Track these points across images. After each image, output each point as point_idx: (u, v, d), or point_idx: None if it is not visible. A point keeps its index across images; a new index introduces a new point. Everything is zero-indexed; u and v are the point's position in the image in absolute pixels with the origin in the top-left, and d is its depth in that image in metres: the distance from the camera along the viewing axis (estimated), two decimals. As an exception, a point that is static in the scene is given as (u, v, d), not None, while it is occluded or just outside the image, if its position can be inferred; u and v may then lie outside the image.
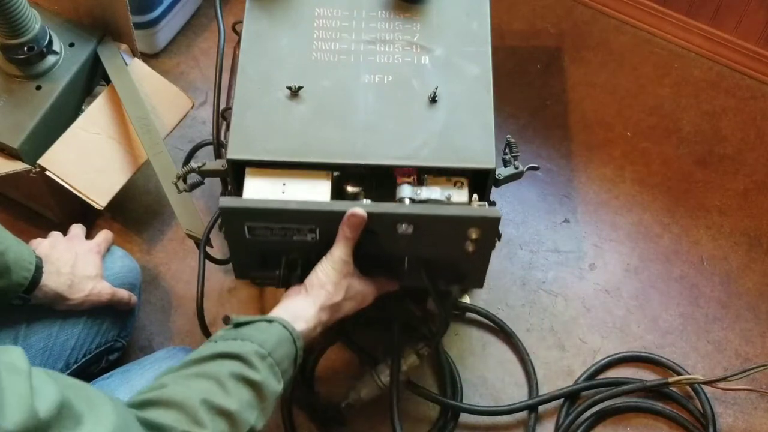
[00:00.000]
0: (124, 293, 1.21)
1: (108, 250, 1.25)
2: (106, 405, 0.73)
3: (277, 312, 0.98)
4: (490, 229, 1.01)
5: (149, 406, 0.82)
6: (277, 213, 1.00)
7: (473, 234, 1.00)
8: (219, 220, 1.20)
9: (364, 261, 1.05)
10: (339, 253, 1.00)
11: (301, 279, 1.05)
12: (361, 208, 0.98)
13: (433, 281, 1.09)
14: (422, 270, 1.08)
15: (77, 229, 1.25)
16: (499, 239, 1.07)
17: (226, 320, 0.94)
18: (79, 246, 1.20)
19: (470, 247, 1.02)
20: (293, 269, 1.08)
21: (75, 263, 1.15)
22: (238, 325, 0.92)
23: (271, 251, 1.07)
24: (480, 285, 1.08)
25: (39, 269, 1.08)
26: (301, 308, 0.99)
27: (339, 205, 1.00)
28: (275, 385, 0.90)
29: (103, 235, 1.26)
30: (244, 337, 0.90)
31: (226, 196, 1.18)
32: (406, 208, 1.00)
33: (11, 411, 0.63)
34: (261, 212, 1.00)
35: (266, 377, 0.88)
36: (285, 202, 1.00)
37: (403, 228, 1.00)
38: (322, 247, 1.03)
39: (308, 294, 1.00)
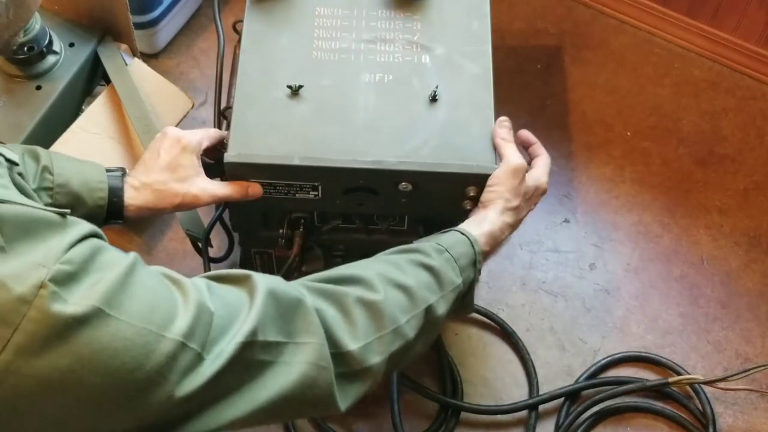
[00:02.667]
0: (229, 190, 1.03)
1: (212, 146, 1.06)
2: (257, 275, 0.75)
3: (459, 225, 0.98)
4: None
5: (324, 280, 0.82)
6: (281, 168, 1.02)
7: (471, 192, 1.03)
8: (222, 210, 1.21)
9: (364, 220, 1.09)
10: (513, 161, 1.01)
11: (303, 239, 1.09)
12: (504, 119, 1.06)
13: None
14: (421, 229, 1.12)
15: (170, 129, 1.05)
16: None
17: None
18: (167, 146, 1.02)
19: (468, 206, 1.05)
20: (296, 228, 1.10)
21: (166, 168, 1.00)
22: None
23: (273, 209, 1.10)
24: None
25: (116, 191, 0.97)
26: (482, 215, 0.99)
27: (342, 162, 1.02)
28: (453, 277, 0.90)
29: (203, 132, 1.06)
30: (421, 241, 0.93)
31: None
32: (406, 165, 1.02)
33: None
34: (265, 167, 1.02)
35: (443, 265, 0.89)
36: (289, 158, 1.02)
37: (403, 186, 1.03)
38: (325, 205, 1.07)
39: (486, 206, 1.00)
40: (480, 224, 0.98)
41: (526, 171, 1.03)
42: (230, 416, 0.69)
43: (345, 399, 0.78)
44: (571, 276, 1.46)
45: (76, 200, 0.96)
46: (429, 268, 0.88)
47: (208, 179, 1.03)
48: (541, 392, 1.33)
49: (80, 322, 0.59)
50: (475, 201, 1.04)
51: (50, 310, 0.58)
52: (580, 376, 1.35)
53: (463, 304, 0.94)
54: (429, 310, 0.86)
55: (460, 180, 1.04)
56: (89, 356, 0.60)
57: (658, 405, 1.32)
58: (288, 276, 1.17)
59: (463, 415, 1.32)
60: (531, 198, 1.03)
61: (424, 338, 0.87)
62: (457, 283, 0.90)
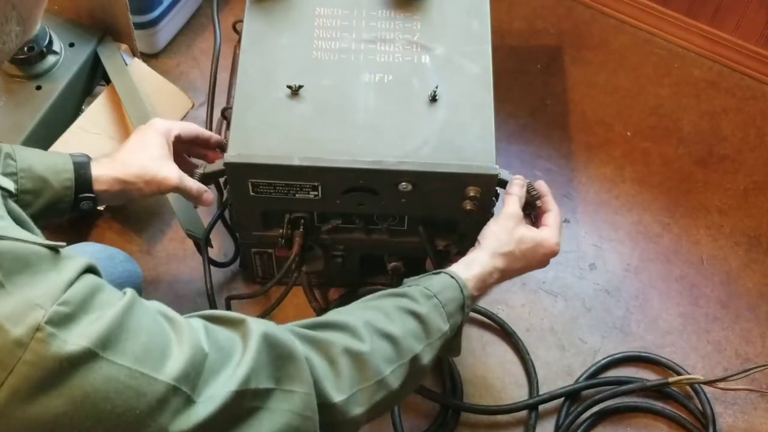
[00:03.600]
0: (192, 183, 1.07)
1: (186, 139, 1.09)
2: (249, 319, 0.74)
3: (448, 268, 0.98)
4: (487, 187, 1.04)
5: (311, 327, 0.82)
6: (281, 169, 1.02)
7: (471, 192, 1.04)
8: (222, 210, 1.22)
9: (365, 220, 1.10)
10: (508, 210, 1.01)
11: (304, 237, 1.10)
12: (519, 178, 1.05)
13: (431, 240, 1.12)
14: (421, 229, 1.12)
15: (155, 118, 1.10)
16: (496, 199, 1.09)
17: None
18: (142, 130, 1.06)
19: (468, 206, 1.05)
20: (296, 228, 1.10)
21: (132, 146, 1.04)
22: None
23: (274, 209, 1.11)
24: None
25: (83, 165, 0.99)
26: (473, 256, 0.98)
27: (342, 162, 1.02)
28: (441, 323, 0.89)
29: (180, 122, 1.10)
30: (410, 285, 0.92)
31: (224, 194, 1.19)
32: (406, 165, 1.02)
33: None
34: (265, 168, 1.02)
35: (430, 312, 0.88)
36: (289, 158, 1.01)
37: (403, 186, 1.03)
38: (324, 204, 1.07)
39: (481, 245, 1.00)
40: (469, 267, 0.96)
41: (522, 219, 1.03)
42: None
43: None
44: (571, 276, 1.46)
45: (42, 182, 0.97)
46: (416, 316, 0.87)
47: (177, 168, 1.04)
48: (541, 392, 1.33)
49: (73, 364, 0.58)
50: (475, 201, 1.04)
51: (45, 354, 0.57)
52: (580, 376, 1.35)
53: (450, 347, 0.94)
54: (414, 360, 0.86)
55: (460, 180, 1.04)
56: (82, 399, 0.59)
57: (658, 405, 1.32)
58: (288, 276, 1.18)
59: (463, 415, 1.32)
60: (534, 254, 1.02)
61: (408, 386, 0.86)
62: (444, 330, 0.89)
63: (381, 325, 0.84)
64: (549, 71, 1.69)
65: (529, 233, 1.01)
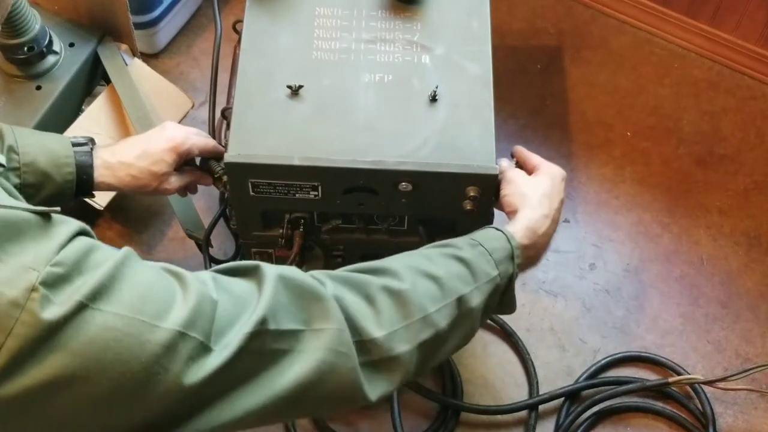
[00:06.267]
0: (186, 178, 1.11)
1: (198, 153, 1.10)
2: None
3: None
4: (487, 187, 1.03)
5: (347, 270, 0.81)
6: (281, 169, 1.02)
7: (471, 192, 1.03)
8: (222, 210, 1.22)
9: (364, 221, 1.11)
10: (513, 171, 1.02)
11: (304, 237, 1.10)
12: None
13: (431, 240, 1.13)
14: (421, 229, 1.12)
15: (169, 124, 1.11)
16: (496, 199, 1.09)
17: None
18: (160, 138, 1.07)
19: (468, 206, 1.05)
20: (296, 227, 1.10)
21: (144, 153, 1.05)
22: None
23: (274, 209, 1.10)
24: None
25: (85, 168, 1.01)
26: (513, 217, 0.97)
27: (342, 162, 1.02)
28: (489, 269, 0.87)
29: (200, 141, 1.10)
30: (455, 239, 0.91)
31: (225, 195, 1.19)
32: (406, 165, 1.02)
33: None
34: (265, 167, 1.02)
35: (476, 257, 0.86)
36: (289, 158, 1.01)
37: (403, 186, 1.03)
38: (324, 204, 1.07)
39: (515, 211, 0.98)
40: (514, 222, 0.96)
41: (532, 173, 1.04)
42: (244, 408, 0.68)
43: (374, 389, 0.75)
44: (571, 276, 1.46)
45: (45, 177, 0.98)
46: (461, 260, 0.85)
47: (177, 174, 1.08)
48: (541, 392, 1.33)
49: (67, 319, 0.59)
50: (475, 201, 1.04)
51: (41, 314, 0.58)
52: (580, 376, 1.35)
53: (503, 301, 0.92)
54: (461, 301, 0.83)
55: (460, 180, 1.04)
56: (80, 351, 0.59)
57: (658, 405, 1.32)
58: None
59: (463, 415, 1.32)
60: (555, 185, 1.02)
61: (459, 331, 0.84)
62: (492, 275, 0.87)
63: (423, 266, 0.82)
64: (549, 71, 1.69)
65: (538, 175, 1.02)
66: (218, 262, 1.30)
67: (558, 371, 1.37)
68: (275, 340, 0.69)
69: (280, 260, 1.23)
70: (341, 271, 0.80)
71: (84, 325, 0.59)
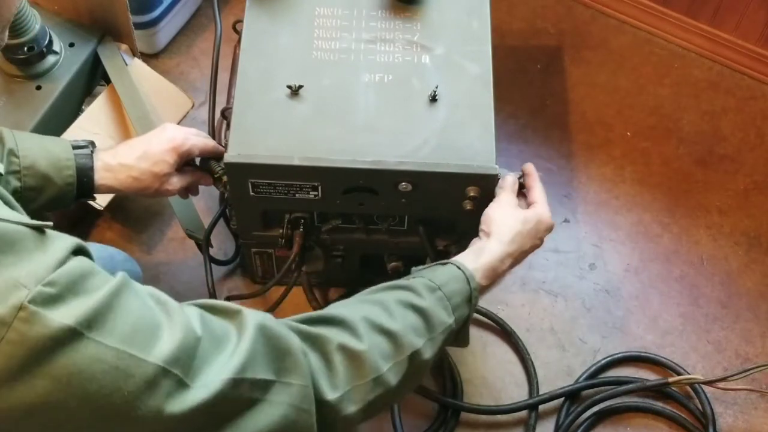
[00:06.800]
0: (187, 179, 1.10)
1: (199, 153, 1.10)
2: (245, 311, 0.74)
3: (456, 258, 0.96)
4: (487, 187, 1.04)
5: (308, 321, 0.81)
6: (281, 169, 1.02)
7: (471, 192, 1.04)
8: (222, 210, 1.22)
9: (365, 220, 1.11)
10: (506, 194, 1.02)
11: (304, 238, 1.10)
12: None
13: (431, 240, 1.13)
14: (421, 229, 1.13)
15: (169, 126, 1.11)
16: None
17: None
18: (160, 140, 1.07)
19: (468, 206, 1.05)
20: (296, 228, 1.10)
21: (145, 155, 1.05)
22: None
23: (274, 209, 1.11)
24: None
25: (85, 170, 1.01)
26: (482, 245, 0.97)
27: (342, 162, 1.02)
28: (444, 317, 0.87)
29: (200, 142, 1.10)
30: (415, 276, 0.91)
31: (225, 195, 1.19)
32: (406, 165, 1.02)
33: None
34: (265, 167, 1.02)
35: (433, 306, 0.86)
36: (289, 158, 1.01)
37: (403, 186, 1.04)
38: (324, 204, 1.08)
39: (488, 233, 0.98)
40: (478, 256, 0.95)
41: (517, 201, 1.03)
42: None
43: None
44: (571, 276, 1.46)
45: (46, 181, 0.98)
46: (418, 310, 0.85)
47: (178, 175, 1.08)
48: (541, 392, 1.33)
49: (58, 343, 0.58)
50: (475, 201, 1.04)
51: (28, 333, 0.57)
52: (580, 376, 1.35)
53: (457, 339, 0.92)
54: (414, 356, 0.83)
55: (460, 180, 1.04)
56: (67, 379, 0.58)
57: (658, 405, 1.32)
58: (288, 276, 1.18)
59: (463, 415, 1.32)
60: (536, 232, 1.01)
61: (407, 383, 0.85)
62: (448, 323, 0.87)
63: (380, 321, 0.82)
64: (549, 71, 1.69)
65: (528, 213, 1.01)
66: (218, 262, 1.30)
67: (558, 371, 1.36)
68: (250, 389, 0.69)
69: (280, 260, 1.23)
70: (302, 322, 0.80)
71: (75, 353, 0.59)
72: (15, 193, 0.95)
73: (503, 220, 0.98)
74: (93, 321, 0.60)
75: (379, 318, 0.83)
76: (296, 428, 0.73)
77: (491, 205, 1.02)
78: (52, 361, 0.58)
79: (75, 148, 1.02)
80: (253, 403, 0.70)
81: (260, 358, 0.71)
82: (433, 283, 0.88)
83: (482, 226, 1.00)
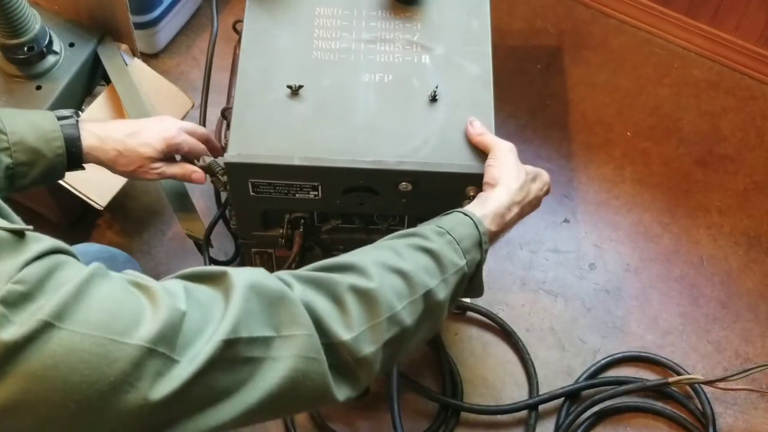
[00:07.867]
0: (175, 169, 1.10)
1: (187, 151, 1.10)
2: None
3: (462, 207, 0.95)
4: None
5: (317, 269, 0.80)
6: (281, 169, 1.02)
7: (471, 192, 1.03)
8: (222, 210, 1.22)
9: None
10: (504, 144, 1.00)
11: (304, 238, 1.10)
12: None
13: None
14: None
15: (167, 118, 1.12)
16: None
17: None
18: (155, 125, 1.08)
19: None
20: (296, 228, 1.11)
21: (133, 133, 1.05)
22: None
23: (274, 209, 1.11)
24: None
25: (73, 139, 1.00)
26: (488, 194, 0.96)
27: (342, 162, 1.02)
28: (456, 258, 0.86)
29: (190, 140, 1.10)
30: (422, 225, 0.91)
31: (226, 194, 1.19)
32: (406, 165, 1.02)
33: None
34: (265, 167, 1.02)
35: (443, 248, 0.86)
36: (289, 158, 1.02)
37: (403, 185, 1.03)
38: (324, 204, 1.07)
39: (493, 184, 0.97)
40: (484, 204, 0.94)
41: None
42: (220, 419, 0.66)
43: (341, 391, 0.75)
44: (571, 276, 1.46)
45: (36, 154, 0.98)
46: (428, 252, 0.85)
47: (163, 163, 1.08)
48: (541, 392, 1.33)
49: (29, 339, 0.57)
50: None
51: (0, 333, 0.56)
52: (580, 376, 1.35)
53: (471, 286, 0.91)
54: (428, 295, 0.83)
55: (460, 180, 1.04)
56: (42, 373, 0.57)
57: (658, 405, 1.32)
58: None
59: (463, 415, 1.32)
60: (540, 184, 1.00)
61: (425, 325, 0.83)
62: (460, 264, 0.86)
63: (390, 262, 0.82)
64: (549, 71, 1.69)
65: (528, 167, 1.00)
66: (218, 262, 1.30)
67: (558, 371, 1.37)
68: (248, 348, 0.68)
69: (280, 260, 1.23)
70: (308, 271, 0.79)
71: (47, 346, 0.57)
72: (8, 169, 0.95)
73: (508, 171, 0.98)
74: (63, 312, 0.59)
75: (389, 259, 0.82)
76: (308, 378, 0.71)
77: (491, 162, 1.00)
78: (25, 359, 0.57)
79: (60, 118, 1.02)
80: (254, 362, 0.68)
81: (255, 316, 0.69)
82: (441, 228, 0.88)
83: (486, 179, 0.99)
